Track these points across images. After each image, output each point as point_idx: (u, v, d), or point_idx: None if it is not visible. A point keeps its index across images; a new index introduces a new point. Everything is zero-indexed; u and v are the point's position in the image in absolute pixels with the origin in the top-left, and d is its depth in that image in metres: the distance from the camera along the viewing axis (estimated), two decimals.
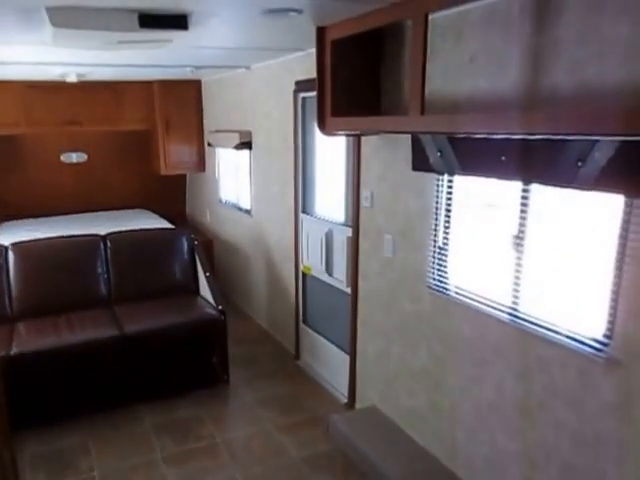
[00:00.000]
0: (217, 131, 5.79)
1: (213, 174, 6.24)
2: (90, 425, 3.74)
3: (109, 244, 4.56)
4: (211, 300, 4.31)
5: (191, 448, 3.53)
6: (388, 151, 3.18)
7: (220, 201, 6.13)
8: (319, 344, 4.35)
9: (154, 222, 5.99)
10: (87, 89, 5.77)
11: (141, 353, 3.93)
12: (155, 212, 6.69)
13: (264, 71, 4.66)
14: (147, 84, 6.01)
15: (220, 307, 4.17)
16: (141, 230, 4.92)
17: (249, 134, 5.06)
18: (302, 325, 4.59)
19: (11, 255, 4.28)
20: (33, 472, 3.31)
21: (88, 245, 4.53)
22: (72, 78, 4.92)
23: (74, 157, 6.57)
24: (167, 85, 6.02)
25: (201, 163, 6.46)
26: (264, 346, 5.00)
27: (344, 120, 2.96)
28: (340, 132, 3.12)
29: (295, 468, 3.32)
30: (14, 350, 3.63)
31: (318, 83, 2.97)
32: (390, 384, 3.45)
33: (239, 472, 3.29)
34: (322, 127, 3.06)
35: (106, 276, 4.47)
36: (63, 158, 6.53)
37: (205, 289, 4.46)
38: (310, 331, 4.48)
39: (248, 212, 5.37)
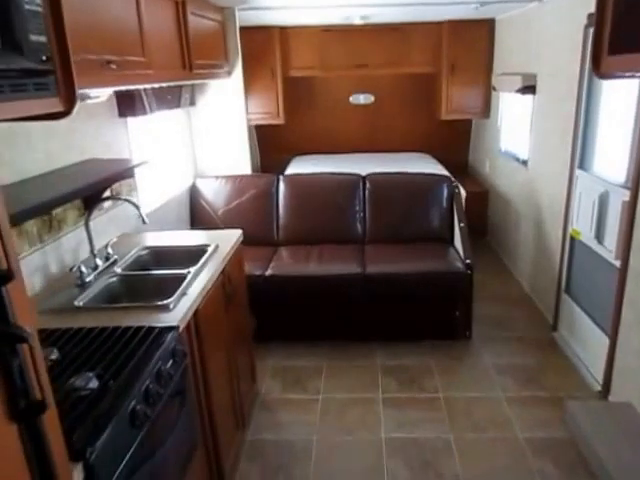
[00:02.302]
0: (503, 74, 5.37)
1: (496, 121, 5.84)
2: (326, 352, 3.98)
3: (367, 184, 4.62)
4: (461, 252, 4.09)
5: (412, 397, 3.48)
6: None
7: (499, 150, 5.74)
8: (579, 319, 3.83)
9: (430, 167, 5.80)
10: (375, 32, 5.85)
11: (381, 294, 3.95)
12: (437, 158, 6.52)
13: (556, 3, 4.11)
14: (436, 25, 5.81)
15: (468, 261, 3.93)
16: (400, 173, 4.86)
17: (533, 77, 4.57)
18: (564, 294, 4.10)
19: (282, 185, 4.64)
20: (272, 380, 3.69)
21: (348, 183, 4.64)
22: (356, 21, 4.98)
23: (362, 98, 6.79)
24: (456, 25, 5.73)
25: (485, 109, 6.08)
26: (520, 309, 4.61)
27: (626, 58, 2.41)
28: (621, 74, 2.58)
29: (514, 447, 2.99)
30: (269, 271, 3.97)
31: (597, 11, 2.46)
32: None
33: (452, 433, 3.12)
34: (596, 68, 2.53)
35: (362, 215, 4.56)
36: (351, 99, 6.80)
37: (458, 241, 4.25)
38: (572, 302, 3.97)
39: (524, 163, 4.92)
